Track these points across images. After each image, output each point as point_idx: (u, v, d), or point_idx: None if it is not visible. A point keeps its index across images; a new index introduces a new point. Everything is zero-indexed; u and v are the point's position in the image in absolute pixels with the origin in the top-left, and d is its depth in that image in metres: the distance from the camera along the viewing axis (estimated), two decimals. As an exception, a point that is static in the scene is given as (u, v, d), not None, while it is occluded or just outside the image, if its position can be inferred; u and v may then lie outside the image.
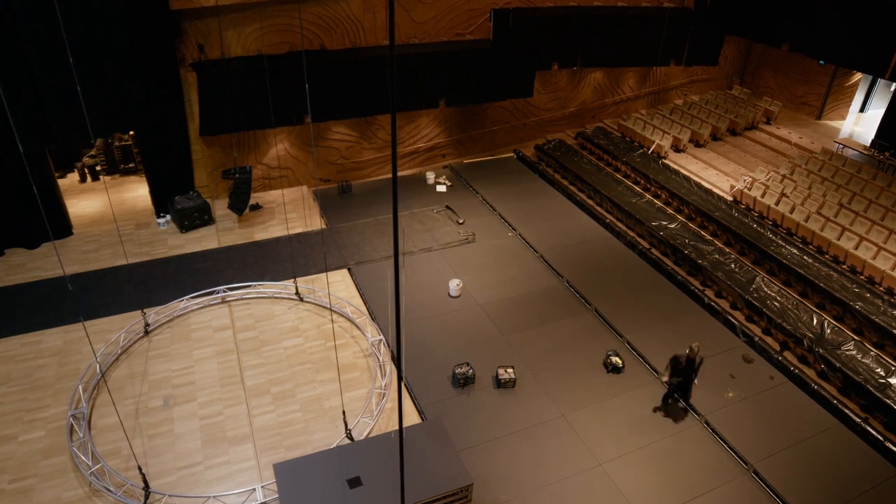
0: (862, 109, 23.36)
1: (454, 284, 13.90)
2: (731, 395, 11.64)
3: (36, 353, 12.06)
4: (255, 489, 9.50)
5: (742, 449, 10.49)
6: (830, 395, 11.49)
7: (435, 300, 13.90)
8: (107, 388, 11.20)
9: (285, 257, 14.97)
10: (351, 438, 10.26)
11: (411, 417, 11.00)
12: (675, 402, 11.41)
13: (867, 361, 11.86)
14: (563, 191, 18.92)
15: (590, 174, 19.16)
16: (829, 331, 12.67)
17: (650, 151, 20.02)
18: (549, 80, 21.32)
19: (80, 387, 11.07)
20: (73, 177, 18.75)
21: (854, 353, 12.08)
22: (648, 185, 18.66)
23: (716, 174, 19.03)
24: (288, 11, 15.85)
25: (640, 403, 11.43)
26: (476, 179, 19.41)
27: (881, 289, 13.67)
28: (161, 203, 16.51)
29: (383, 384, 11.53)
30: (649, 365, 12.28)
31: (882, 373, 11.56)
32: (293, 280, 13.84)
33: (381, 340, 12.52)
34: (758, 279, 14.18)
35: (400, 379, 5.43)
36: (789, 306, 13.37)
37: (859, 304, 13.02)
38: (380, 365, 11.89)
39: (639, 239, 16.49)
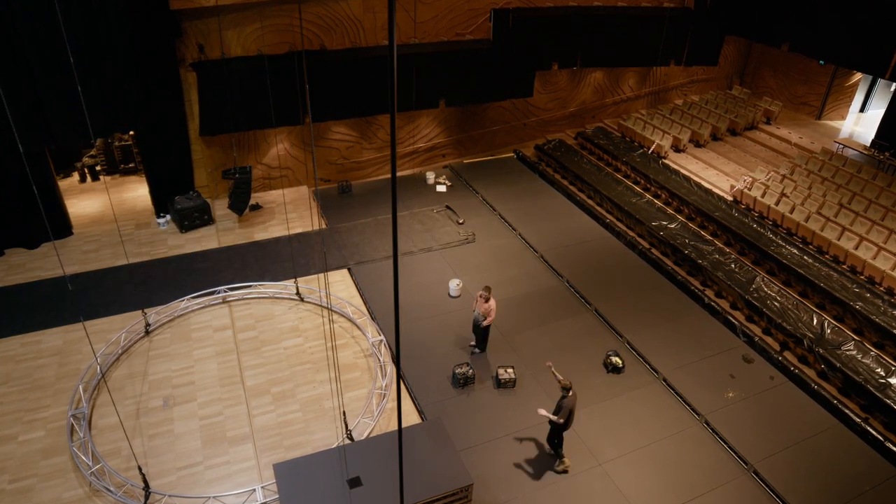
0: (862, 109, 23.37)
1: (454, 284, 13.90)
2: (731, 395, 11.64)
3: (36, 353, 12.06)
4: (255, 489, 9.50)
5: (742, 449, 10.49)
6: (830, 395, 11.49)
7: (435, 300, 13.90)
8: (107, 388, 11.21)
9: (285, 257, 14.97)
10: (351, 439, 10.27)
11: (411, 417, 11.00)
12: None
13: (867, 361, 11.86)
14: (563, 191, 18.92)
15: (590, 174, 19.16)
16: (829, 331, 12.67)
17: (650, 151, 20.02)
18: (549, 80, 21.32)
19: (80, 387, 11.07)
20: (74, 177, 18.75)
21: (854, 353, 12.08)
22: (648, 185, 18.67)
23: (716, 174, 19.03)
24: (288, 11, 15.85)
25: (640, 403, 11.43)
26: (476, 179, 19.41)
27: (881, 289, 13.67)
28: (161, 203, 16.51)
29: (384, 384, 11.53)
30: (649, 365, 12.28)
31: (882, 373, 11.57)
32: (293, 280, 13.84)
33: (381, 340, 12.53)
34: (758, 279, 14.18)
35: (399, 379, 5.42)
36: (789, 306, 13.37)
37: (859, 304, 13.02)
38: (380, 365, 11.89)
39: (639, 239, 16.49)
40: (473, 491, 8.86)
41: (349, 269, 14.85)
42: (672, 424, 11.02)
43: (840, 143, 19.58)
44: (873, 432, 10.72)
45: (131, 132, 17.83)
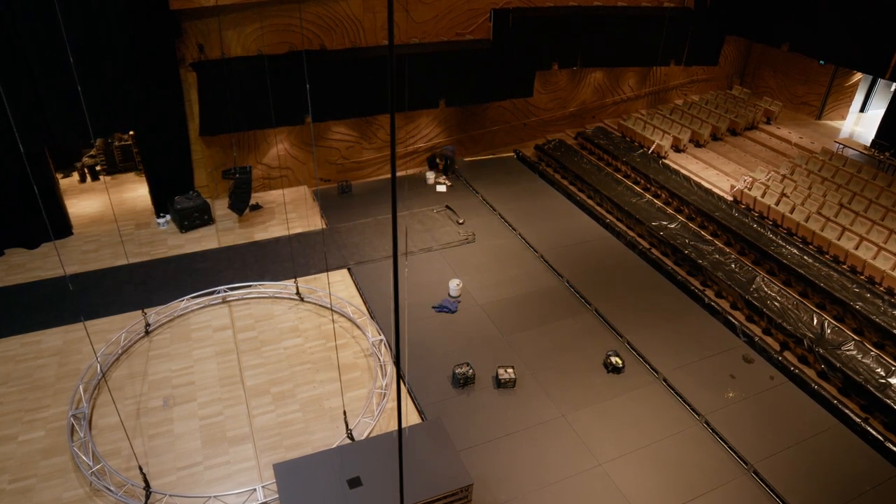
0: (862, 109, 23.36)
1: (454, 284, 13.90)
2: (731, 395, 11.64)
3: (36, 353, 12.06)
4: (255, 489, 9.50)
5: (742, 449, 10.49)
6: (830, 395, 11.49)
7: (435, 300, 13.90)
8: (107, 388, 11.21)
9: (285, 257, 14.97)
10: (351, 438, 10.27)
11: (411, 417, 11.00)
12: None
13: (867, 361, 11.86)
14: (563, 191, 18.92)
15: (590, 174, 19.16)
16: (829, 331, 12.67)
17: (650, 151, 20.02)
18: (549, 80, 21.31)
19: (80, 387, 11.07)
20: (74, 177, 18.74)
21: (854, 353, 12.08)
22: (648, 185, 18.66)
23: (716, 174, 19.03)
24: (288, 11, 15.85)
25: (640, 403, 11.43)
26: (476, 179, 19.41)
27: (881, 289, 13.67)
28: (161, 203, 16.52)
29: (384, 384, 11.53)
30: (649, 365, 12.28)
31: (882, 373, 11.56)
32: (294, 280, 13.84)
33: (381, 340, 12.53)
34: (758, 279, 14.18)
35: (399, 378, 5.42)
36: (789, 306, 13.37)
37: (859, 304, 13.02)
38: (380, 365, 11.90)
39: (639, 239, 16.49)
40: (473, 491, 8.86)
41: (349, 269, 14.85)
42: (672, 424, 11.02)
43: (840, 143, 19.57)
44: (873, 432, 10.72)
45: (131, 132, 17.83)
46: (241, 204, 16.21)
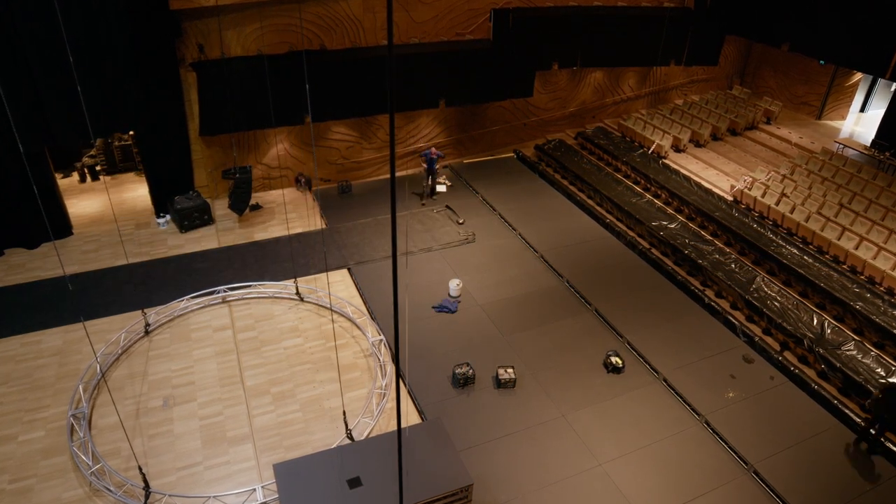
0: (862, 109, 23.36)
1: (454, 284, 13.90)
2: (731, 395, 11.64)
3: (36, 353, 12.06)
4: (255, 489, 9.50)
5: (742, 449, 10.49)
6: (831, 395, 11.48)
7: (435, 300, 13.89)
8: (107, 388, 11.21)
9: (285, 257, 14.97)
10: (351, 438, 10.27)
11: (411, 417, 11.00)
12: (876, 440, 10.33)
13: (867, 361, 11.85)
14: (563, 191, 18.92)
15: (590, 174, 19.16)
16: (829, 331, 12.67)
17: (650, 151, 20.02)
18: (549, 80, 21.31)
19: (80, 387, 11.07)
20: (73, 177, 18.75)
21: (854, 353, 12.08)
22: (648, 185, 18.66)
23: (716, 174, 19.02)
24: (288, 11, 15.85)
25: (640, 403, 11.43)
26: (476, 179, 19.40)
27: (881, 289, 13.66)
28: (161, 203, 16.51)
29: (384, 384, 11.53)
30: (649, 365, 12.28)
31: (882, 373, 11.56)
32: (293, 280, 13.84)
33: (381, 340, 12.52)
34: (758, 279, 14.17)
35: (399, 378, 5.41)
36: (789, 306, 13.37)
37: (859, 304, 13.01)
38: (380, 365, 11.89)
39: (639, 239, 16.49)
40: (473, 491, 8.85)
41: (349, 269, 14.85)
42: (672, 424, 11.02)
43: (840, 143, 19.57)
44: (873, 432, 10.71)
45: (131, 132, 17.83)
46: (241, 204, 16.21)
